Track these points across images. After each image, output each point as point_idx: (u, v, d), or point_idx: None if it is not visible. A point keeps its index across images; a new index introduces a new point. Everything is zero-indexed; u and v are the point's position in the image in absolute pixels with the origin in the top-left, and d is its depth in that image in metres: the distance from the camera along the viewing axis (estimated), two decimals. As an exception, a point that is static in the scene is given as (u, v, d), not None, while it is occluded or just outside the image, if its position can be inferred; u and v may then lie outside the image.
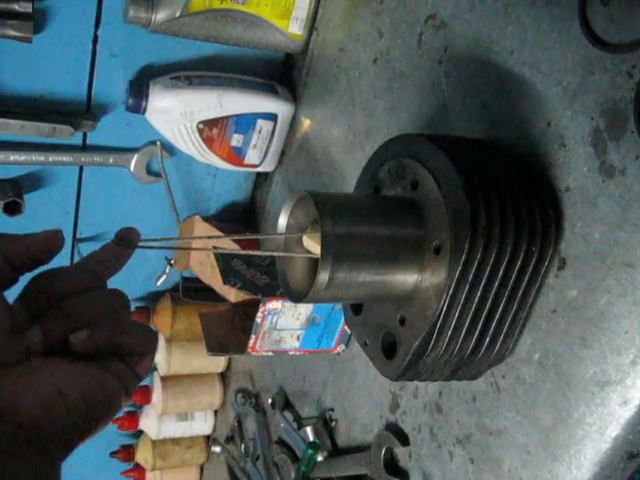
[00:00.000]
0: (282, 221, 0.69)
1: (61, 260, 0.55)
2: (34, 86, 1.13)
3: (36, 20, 1.04)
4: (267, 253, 0.67)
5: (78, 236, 1.32)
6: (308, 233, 0.67)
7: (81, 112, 1.17)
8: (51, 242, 0.53)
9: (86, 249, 1.31)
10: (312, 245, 0.66)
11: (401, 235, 0.67)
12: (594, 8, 0.61)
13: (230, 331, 1.11)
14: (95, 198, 1.29)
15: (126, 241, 0.57)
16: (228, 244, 1.16)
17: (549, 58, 0.67)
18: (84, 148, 1.22)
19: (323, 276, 0.62)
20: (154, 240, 0.62)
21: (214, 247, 0.59)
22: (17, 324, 0.49)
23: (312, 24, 1.15)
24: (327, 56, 1.11)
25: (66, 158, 1.20)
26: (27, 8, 1.01)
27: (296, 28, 1.15)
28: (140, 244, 0.58)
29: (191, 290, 1.38)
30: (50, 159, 1.19)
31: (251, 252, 0.73)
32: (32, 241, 0.52)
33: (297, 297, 0.66)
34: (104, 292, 0.54)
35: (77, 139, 1.19)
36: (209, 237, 0.62)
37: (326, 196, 0.66)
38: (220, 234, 1.19)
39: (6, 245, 0.51)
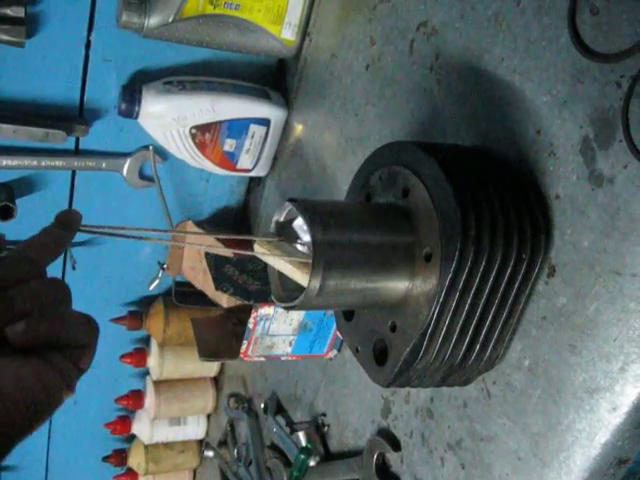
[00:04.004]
0: (273, 228, 0.69)
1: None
2: (27, 91, 1.13)
3: (28, 25, 1.03)
4: (249, 253, 0.67)
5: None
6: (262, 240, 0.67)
7: (74, 117, 1.17)
8: None
9: (78, 254, 1.31)
10: (262, 251, 0.66)
11: (392, 242, 0.67)
12: (583, 18, 0.62)
13: (222, 336, 1.11)
14: (88, 203, 1.29)
15: (67, 224, 0.55)
16: (222, 249, 1.16)
17: (539, 67, 0.67)
18: (77, 153, 1.22)
19: (314, 284, 0.62)
20: (97, 227, 0.59)
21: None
22: None
23: (305, 30, 1.15)
24: (319, 62, 1.11)
25: (59, 163, 1.20)
26: (19, 13, 1.01)
27: (289, 34, 1.15)
28: (81, 228, 0.55)
29: (184, 295, 1.38)
30: (43, 164, 1.19)
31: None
32: None
33: (289, 304, 0.67)
34: (43, 282, 0.52)
35: (70, 144, 1.19)
36: (162, 231, 0.61)
37: (316, 203, 0.67)
38: (214, 241, 1.19)
39: None
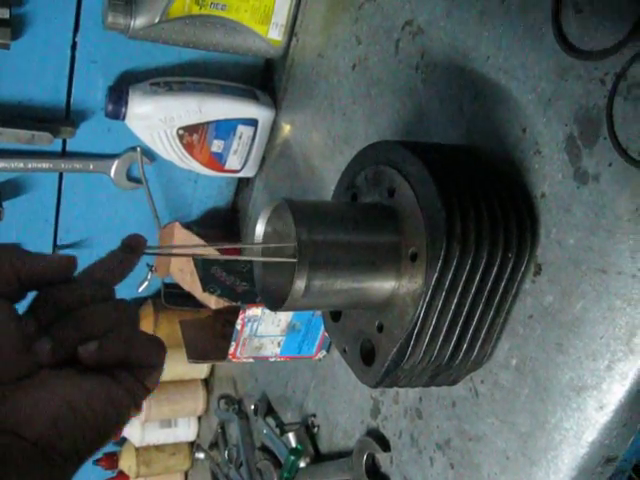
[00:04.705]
0: (259, 229, 0.69)
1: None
2: (13, 92, 1.12)
3: (14, 26, 1.03)
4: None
5: (58, 243, 1.31)
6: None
7: (60, 118, 1.17)
8: (65, 268, 0.53)
9: (67, 256, 1.30)
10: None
11: (378, 242, 0.67)
12: (568, 16, 0.62)
13: (211, 338, 1.11)
14: (75, 205, 1.28)
15: (133, 248, 0.57)
16: (209, 250, 1.16)
17: (524, 65, 0.67)
18: (64, 155, 1.21)
19: (299, 284, 0.62)
20: (160, 247, 0.62)
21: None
22: (27, 336, 0.49)
23: (292, 30, 1.15)
24: (306, 62, 1.11)
25: (45, 165, 1.19)
26: (4, 14, 1.00)
27: (276, 34, 1.15)
28: (146, 251, 0.57)
29: (173, 296, 1.37)
30: (29, 166, 1.18)
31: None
32: (46, 264, 0.52)
33: (274, 305, 0.66)
34: (114, 303, 0.54)
35: (56, 146, 1.19)
36: (226, 247, 0.62)
37: (302, 203, 0.66)
38: (201, 241, 1.19)
39: (20, 264, 0.51)
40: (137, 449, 1.65)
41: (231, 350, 1.05)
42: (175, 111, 1.15)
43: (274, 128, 1.23)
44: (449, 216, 0.62)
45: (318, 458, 1.08)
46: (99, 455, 1.68)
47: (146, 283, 1.37)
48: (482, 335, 0.69)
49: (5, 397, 0.46)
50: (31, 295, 0.53)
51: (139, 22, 1.07)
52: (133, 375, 0.52)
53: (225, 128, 1.20)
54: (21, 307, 0.51)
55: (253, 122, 1.21)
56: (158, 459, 1.67)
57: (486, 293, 0.66)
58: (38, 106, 1.14)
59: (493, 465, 0.72)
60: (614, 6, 0.58)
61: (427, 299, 0.63)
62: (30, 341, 0.49)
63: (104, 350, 0.50)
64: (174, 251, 0.68)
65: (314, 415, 1.09)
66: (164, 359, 0.56)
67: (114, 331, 0.52)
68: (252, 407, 1.29)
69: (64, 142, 1.20)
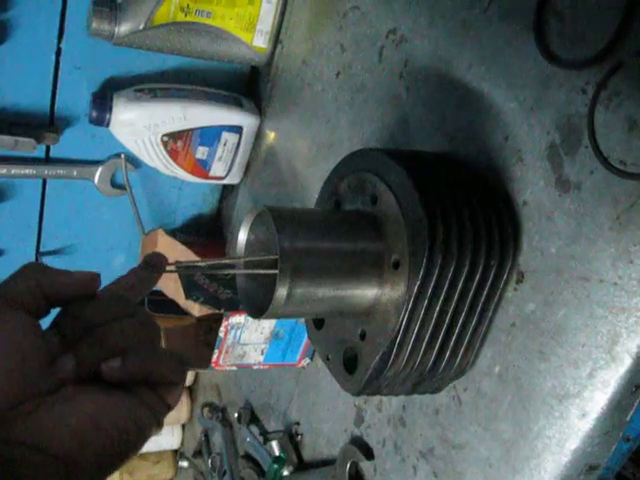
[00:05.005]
0: (242, 236, 0.69)
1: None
2: (-4, 98, 1.11)
3: (-2, 32, 1.03)
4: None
5: (42, 250, 1.30)
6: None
7: (44, 125, 1.16)
8: (88, 284, 0.53)
9: (50, 263, 1.29)
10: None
11: (360, 250, 0.67)
12: (549, 25, 0.62)
13: (194, 346, 1.10)
14: (59, 211, 1.27)
15: (154, 265, 0.57)
16: (193, 258, 1.15)
17: (506, 73, 0.67)
18: (47, 161, 1.21)
19: (281, 292, 0.62)
20: (180, 264, 0.63)
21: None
22: (51, 352, 0.49)
23: (276, 37, 1.15)
24: (291, 69, 1.11)
25: (29, 171, 1.18)
26: (-12, 20, 1.00)
27: (260, 41, 1.15)
28: (167, 268, 0.58)
29: (156, 303, 1.36)
30: (12, 172, 1.17)
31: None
32: (70, 280, 0.53)
33: (257, 313, 0.66)
34: (136, 320, 0.54)
35: (40, 152, 1.18)
36: (221, 263, 0.62)
37: (284, 211, 0.66)
38: (185, 249, 1.19)
39: (45, 280, 0.51)
40: (120, 457, 1.63)
41: (214, 358, 1.05)
42: (159, 118, 1.15)
43: (259, 135, 1.23)
44: (431, 224, 0.62)
45: (301, 466, 1.08)
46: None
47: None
48: (465, 343, 0.69)
49: (28, 412, 0.46)
50: (54, 311, 0.53)
51: (124, 28, 1.06)
52: (155, 392, 0.52)
53: (210, 135, 1.20)
54: (45, 323, 0.52)
55: (238, 129, 1.20)
56: (142, 467, 1.66)
57: (468, 301, 0.66)
58: (22, 112, 1.14)
59: (476, 473, 0.72)
60: (595, 16, 0.59)
61: (409, 307, 0.63)
62: (54, 357, 0.49)
63: (127, 367, 0.51)
64: (194, 267, 0.70)
65: (298, 423, 1.09)
66: (185, 376, 0.56)
67: (137, 348, 0.52)
68: (236, 415, 1.28)
69: (48, 148, 1.19)
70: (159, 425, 0.52)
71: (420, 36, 0.79)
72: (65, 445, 0.46)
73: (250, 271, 0.66)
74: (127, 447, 0.49)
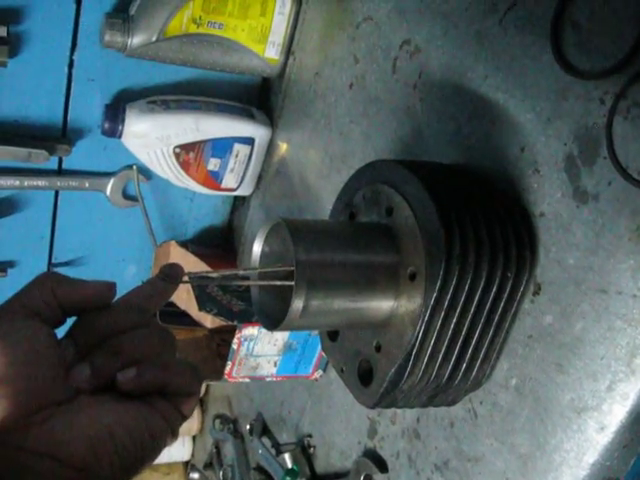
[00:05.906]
0: (257, 248, 0.68)
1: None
2: (9, 110, 1.12)
3: (11, 44, 1.03)
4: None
5: (54, 261, 1.30)
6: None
7: (57, 136, 1.16)
8: (104, 294, 0.53)
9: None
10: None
11: (376, 261, 0.67)
12: (566, 35, 0.62)
13: (207, 357, 1.10)
14: (71, 223, 1.28)
15: (171, 277, 0.57)
16: (205, 269, 1.15)
17: (522, 84, 0.67)
18: (60, 172, 1.21)
19: (297, 304, 0.61)
20: (197, 274, 0.63)
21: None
22: (66, 361, 0.50)
23: (289, 48, 1.15)
24: (304, 80, 1.11)
25: (41, 183, 1.19)
26: (2, 32, 1.00)
27: (273, 52, 1.15)
28: (184, 279, 0.58)
29: (169, 315, 1.36)
30: (25, 184, 1.18)
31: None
32: (86, 290, 0.53)
33: (272, 325, 0.66)
34: (151, 330, 0.54)
35: (52, 163, 1.18)
36: (257, 269, 0.62)
37: (300, 223, 0.66)
38: (198, 260, 1.18)
39: (61, 290, 0.51)
40: (131, 469, 1.63)
41: (227, 369, 1.05)
42: (172, 129, 1.15)
43: (271, 146, 1.23)
44: (448, 235, 0.62)
45: (314, 479, 1.07)
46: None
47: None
48: (481, 355, 0.68)
49: (43, 421, 0.46)
50: (70, 321, 0.53)
51: (136, 40, 1.07)
52: (170, 402, 0.52)
53: (222, 146, 1.20)
54: (60, 332, 0.52)
55: (250, 140, 1.20)
56: (152, 479, 1.65)
57: (485, 313, 0.66)
58: (35, 124, 1.14)
59: (492, 487, 0.71)
60: (613, 26, 0.58)
61: (426, 319, 0.63)
62: (69, 366, 0.50)
63: (142, 377, 0.51)
64: (209, 278, 0.71)
65: (310, 435, 1.08)
66: (200, 387, 0.56)
67: (152, 358, 0.52)
68: (247, 427, 1.27)
69: (60, 160, 1.20)
70: (174, 435, 0.52)
71: (434, 47, 0.79)
72: (79, 454, 0.46)
73: (267, 282, 0.65)
74: (142, 456, 0.49)
